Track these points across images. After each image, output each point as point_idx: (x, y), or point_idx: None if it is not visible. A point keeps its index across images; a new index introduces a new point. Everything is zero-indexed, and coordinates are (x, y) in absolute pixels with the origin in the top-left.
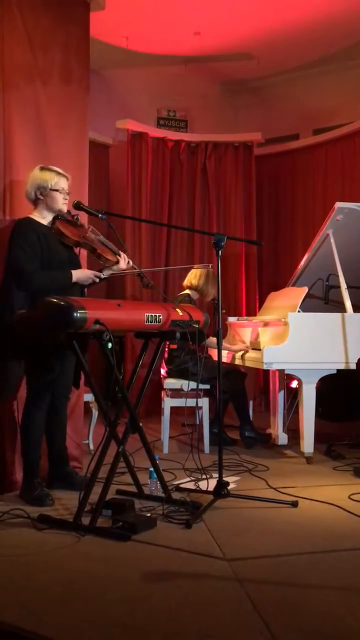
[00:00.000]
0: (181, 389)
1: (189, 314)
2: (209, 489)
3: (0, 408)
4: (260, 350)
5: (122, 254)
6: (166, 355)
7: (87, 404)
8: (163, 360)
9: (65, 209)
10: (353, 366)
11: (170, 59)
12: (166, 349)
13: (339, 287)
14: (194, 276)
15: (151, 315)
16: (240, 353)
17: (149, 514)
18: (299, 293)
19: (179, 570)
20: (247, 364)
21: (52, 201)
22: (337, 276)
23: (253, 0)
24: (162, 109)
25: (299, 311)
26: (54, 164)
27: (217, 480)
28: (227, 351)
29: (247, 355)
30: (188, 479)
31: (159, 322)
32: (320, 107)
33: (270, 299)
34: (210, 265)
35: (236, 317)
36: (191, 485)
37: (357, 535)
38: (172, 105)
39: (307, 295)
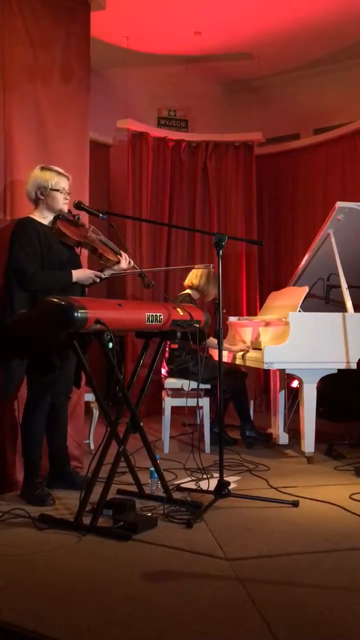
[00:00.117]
0: (182, 389)
1: (190, 314)
2: (209, 489)
3: (1, 408)
4: (260, 350)
5: (123, 253)
6: (167, 355)
7: (87, 403)
8: (164, 360)
9: (65, 208)
10: (354, 366)
11: (171, 59)
12: (167, 349)
13: (339, 286)
14: (194, 276)
15: (152, 315)
16: (241, 353)
17: (149, 514)
18: (300, 293)
19: (180, 570)
20: (248, 363)
21: (53, 201)
22: (338, 276)
23: (253, 0)
24: (163, 109)
25: (299, 311)
26: (54, 164)
27: (218, 480)
28: (227, 351)
29: (248, 355)
30: (189, 478)
31: (159, 322)
32: (320, 107)
33: (271, 298)
34: (211, 265)
35: (237, 317)
36: (192, 485)
37: (358, 535)
38: (173, 104)
39: (308, 295)
